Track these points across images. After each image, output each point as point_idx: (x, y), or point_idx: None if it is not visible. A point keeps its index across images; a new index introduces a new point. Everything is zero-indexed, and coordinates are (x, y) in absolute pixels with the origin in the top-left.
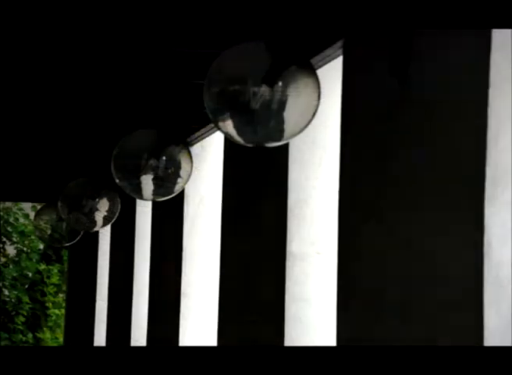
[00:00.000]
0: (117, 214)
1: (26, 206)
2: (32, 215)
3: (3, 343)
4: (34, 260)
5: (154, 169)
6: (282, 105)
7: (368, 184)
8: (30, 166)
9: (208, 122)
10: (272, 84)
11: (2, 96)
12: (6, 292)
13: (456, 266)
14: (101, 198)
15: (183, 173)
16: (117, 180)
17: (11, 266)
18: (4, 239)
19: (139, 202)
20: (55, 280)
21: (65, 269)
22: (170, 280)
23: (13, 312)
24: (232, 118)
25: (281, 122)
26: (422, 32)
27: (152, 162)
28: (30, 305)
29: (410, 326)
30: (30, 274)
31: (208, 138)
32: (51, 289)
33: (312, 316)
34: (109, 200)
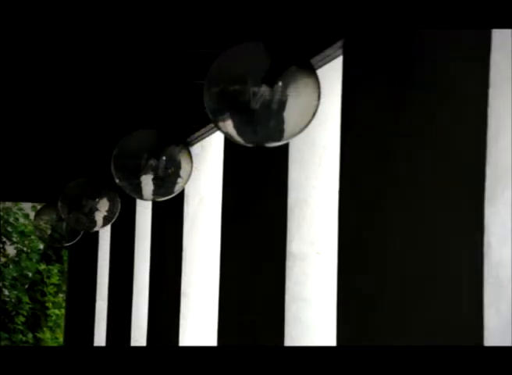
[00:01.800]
0: (117, 214)
1: (26, 206)
2: (32, 215)
3: (3, 343)
4: (34, 260)
5: (154, 169)
6: (282, 105)
7: (368, 184)
8: (30, 166)
9: (208, 122)
10: (272, 84)
11: (2, 96)
12: (6, 292)
13: (457, 266)
14: (101, 198)
15: (183, 173)
16: (117, 180)
17: (11, 266)
18: (4, 239)
19: (139, 202)
20: (55, 280)
21: (65, 269)
22: (170, 280)
23: (13, 312)
24: (232, 118)
25: (281, 122)
26: (422, 31)
27: (152, 162)
28: (30, 305)
29: (410, 326)
30: (30, 274)
31: (207, 138)
32: (51, 289)
33: (312, 316)
34: (109, 200)
